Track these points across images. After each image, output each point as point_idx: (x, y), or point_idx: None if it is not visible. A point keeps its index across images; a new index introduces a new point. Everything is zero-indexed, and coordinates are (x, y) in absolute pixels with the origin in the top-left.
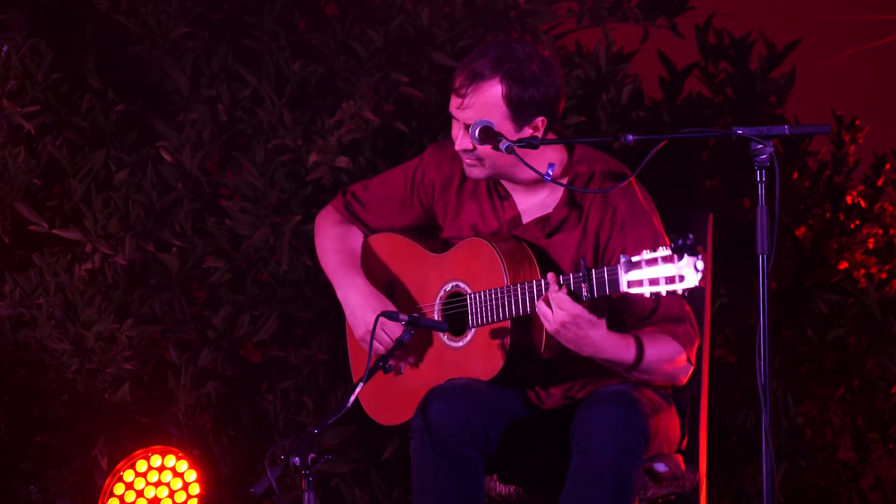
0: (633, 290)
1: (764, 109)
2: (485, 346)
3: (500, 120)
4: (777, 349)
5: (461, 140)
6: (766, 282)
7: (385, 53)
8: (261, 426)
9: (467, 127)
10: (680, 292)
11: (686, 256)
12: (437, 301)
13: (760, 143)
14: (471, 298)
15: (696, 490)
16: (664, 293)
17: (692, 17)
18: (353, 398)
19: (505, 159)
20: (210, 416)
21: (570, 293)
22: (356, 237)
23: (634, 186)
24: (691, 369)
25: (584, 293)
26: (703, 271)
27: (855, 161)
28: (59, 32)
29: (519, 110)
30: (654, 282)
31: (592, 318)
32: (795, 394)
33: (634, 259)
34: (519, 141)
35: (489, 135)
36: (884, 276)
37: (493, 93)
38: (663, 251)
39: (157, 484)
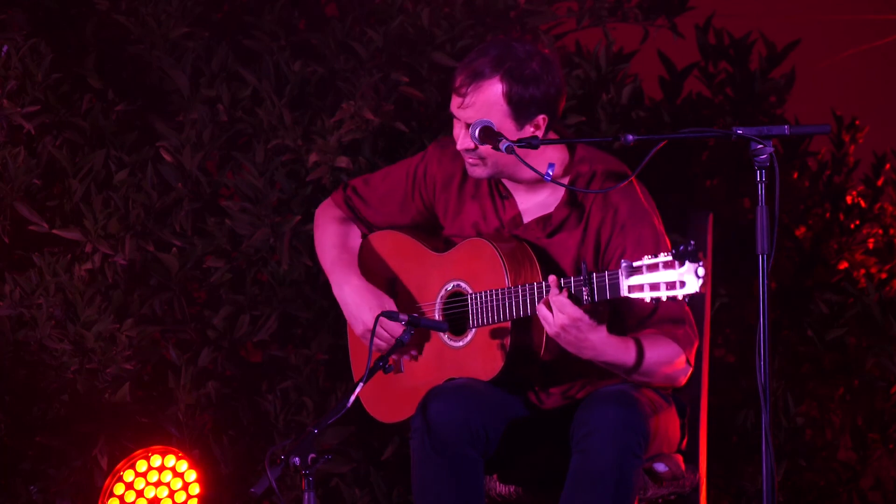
0: (634, 295)
1: (764, 109)
2: (485, 347)
3: (502, 119)
4: (777, 349)
5: (463, 139)
6: (766, 282)
7: (385, 53)
8: (261, 426)
9: (468, 126)
10: (680, 298)
11: (687, 262)
12: (438, 300)
13: (760, 143)
14: (471, 298)
15: (696, 490)
16: (664, 298)
17: (692, 17)
18: (353, 398)
19: (506, 158)
20: (210, 416)
21: (570, 296)
22: (355, 235)
23: (636, 187)
24: (690, 371)
25: (585, 297)
26: (704, 277)
27: (855, 161)
28: (59, 32)
29: (520, 109)
30: (654, 287)
31: (593, 321)
32: (795, 394)
33: (636, 264)
34: (519, 141)
35: (489, 135)
36: (884, 276)
37: (493, 91)
38: (664, 256)
39: (157, 484)
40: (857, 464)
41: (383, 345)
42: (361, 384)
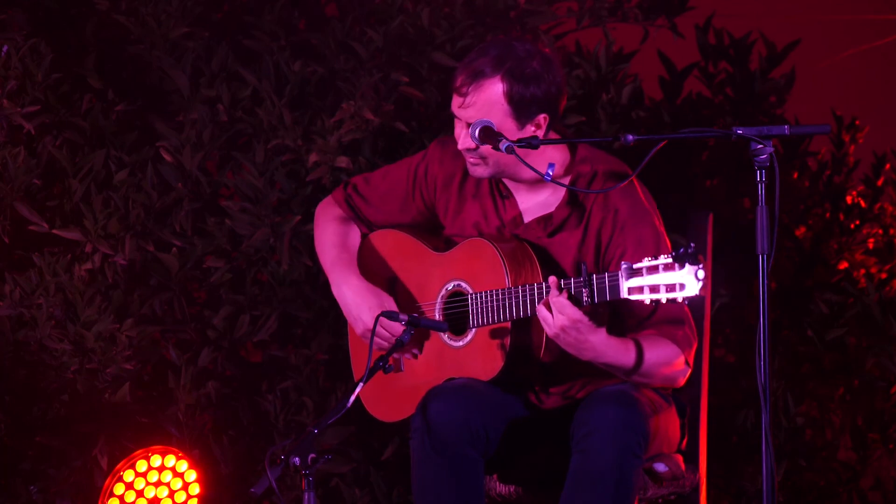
0: (634, 297)
1: (764, 109)
2: (485, 347)
3: (502, 118)
4: (777, 349)
5: (464, 139)
6: (766, 282)
7: (385, 53)
8: (261, 426)
9: (469, 126)
10: (680, 300)
11: (687, 265)
12: (439, 300)
13: (760, 143)
14: (472, 298)
15: (696, 490)
16: (664, 301)
17: (692, 17)
18: (353, 398)
19: (507, 158)
20: (210, 416)
21: (570, 298)
22: (354, 234)
23: (637, 187)
24: (689, 372)
25: (585, 298)
26: (704, 280)
27: (855, 161)
28: (59, 32)
29: (521, 108)
30: (654, 289)
31: (592, 323)
32: (795, 394)
33: (636, 266)
34: (518, 141)
35: (489, 135)
36: (884, 276)
37: (494, 91)
38: (664, 259)
39: (157, 484)
40: (857, 464)
41: (384, 344)
42: (361, 384)
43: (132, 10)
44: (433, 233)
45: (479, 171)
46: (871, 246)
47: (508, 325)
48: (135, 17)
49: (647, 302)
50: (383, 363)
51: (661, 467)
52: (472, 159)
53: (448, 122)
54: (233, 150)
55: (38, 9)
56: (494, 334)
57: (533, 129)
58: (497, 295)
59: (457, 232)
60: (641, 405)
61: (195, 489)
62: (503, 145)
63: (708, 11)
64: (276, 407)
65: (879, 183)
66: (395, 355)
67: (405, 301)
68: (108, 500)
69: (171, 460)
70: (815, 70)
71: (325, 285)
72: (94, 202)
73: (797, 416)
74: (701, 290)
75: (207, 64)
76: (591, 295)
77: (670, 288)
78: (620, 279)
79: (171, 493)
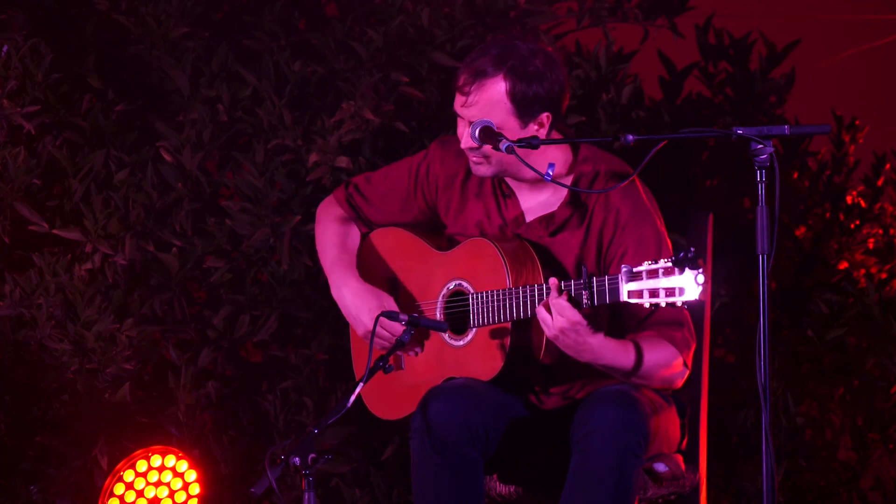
0: (633, 301)
1: (764, 109)
2: (485, 347)
3: (505, 116)
4: (777, 349)
5: (466, 138)
6: (766, 282)
7: (385, 53)
8: (261, 426)
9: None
10: (679, 304)
11: (687, 269)
12: (440, 299)
13: (760, 143)
14: (473, 298)
15: (696, 490)
16: (664, 305)
17: (692, 17)
18: (353, 398)
19: (510, 157)
20: (210, 416)
21: (570, 300)
22: (355, 235)
23: (638, 187)
24: (687, 373)
25: (585, 300)
26: (704, 285)
27: (855, 161)
28: (59, 32)
29: (523, 106)
30: (654, 293)
31: (591, 326)
32: (795, 394)
33: (636, 270)
34: (519, 141)
35: (489, 135)
36: (884, 276)
37: (496, 90)
38: (665, 263)
39: (158, 484)
40: (857, 464)
41: (385, 344)
42: (361, 384)
43: (132, 10)
44: (435, 231)
45: (482, 170)
46: (871, 246)
47: (509, 325)
48: (135, 17)
49: (647, 305)
50: (383, 363)
51: (661, 467)
52: (474, 158)
53: (448, 121)
54: (233, 150)
55: (38, 9)
56: (495, 334)
57: (536, 127)
58: (498, 295)
59: (459, 231)
60: (641, 405)
61: (195, 489)
62: (503, 145)
63: (708, 11)
64: (276, 407)
65: (879, 183)
66: (394, 358)
67: (406, 299)
68: (108, 500)
69: (171, 460)
70: (815, 70)
71: (325, 285)
72: (94, 202)
73: (797, 416)
74: (701, 294)
75: (207, 64)
76: (590, 297)
77: (670, 292)
78: (620, 282)
79: (171, 493)
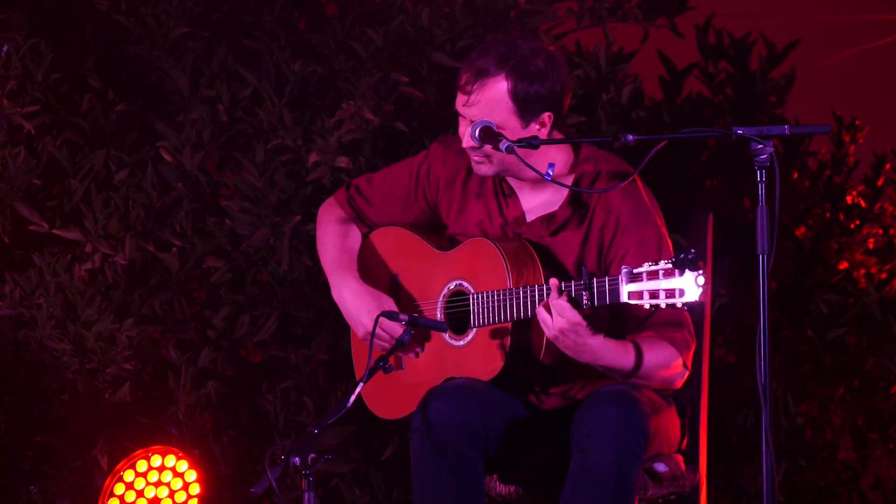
0: (633, 301)
1: (764, 109)
2: (485, 347)
3: (507, 116)
4: (777, 349)
5: (468, 138)
6: (766, 282)
7: (385, 53)
8: (261, 426)
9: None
10: (679, 306)
11: (687, 271)
12: (441, 299)
13: (760, 143)
14: (473, 298)
15: (696, 490)
16: (664, 306)
17: (692, 17)
18: (353, 398)
19: (511, 156)
20: (210, 416)
21: (570, 300)
22: (355, 236)
23: (640, 188)
24: (687, 374)
25: (585, 301)
26: (704, 286)
27: (855, 161)
28: (59, 32)
29: (525, 106)
30: (654, 294)
31: (591, 327)
32: (795, 394)
33: (636, 271)
34: (518, 141)
35: (489, 134)
36: (884, 276)
37: (498, 89)
38: (665, 264)
39: (158, 484)
40: (857, 464)
41: (385, 345)
42: (361, 384)
43: (132, 10)
44: (436, 231)
45: (484, 169)
46: (871, 246)
47: (509, 325)
48: (135, 17)
49: (647, 307)
50: (383, 363)
51: (661, 467)
52: (476, 157)
53: (448, 121)
54: (233, 150)
55: (38, 9)
56: (495, 334)
57: (537, 127)
58: (498, 295)
59: (460, 231)
60: (641, 405)
61: (195, 489)
62: (503, 145)
63: (708, 11)
64: (276, 407)
65: (879, 183)
66: (394, 358)
67: (407, 299)
68: (108, 500)
69: (171, 460)
70: (815, 70)
71: (325, 285)
72: (94, 202)
73: (797, 416)
74: (701, 296)
75: (207, 64)
76: (591, 298)
77: (670, 293)
78: (620, 283)
79: (171, 493)
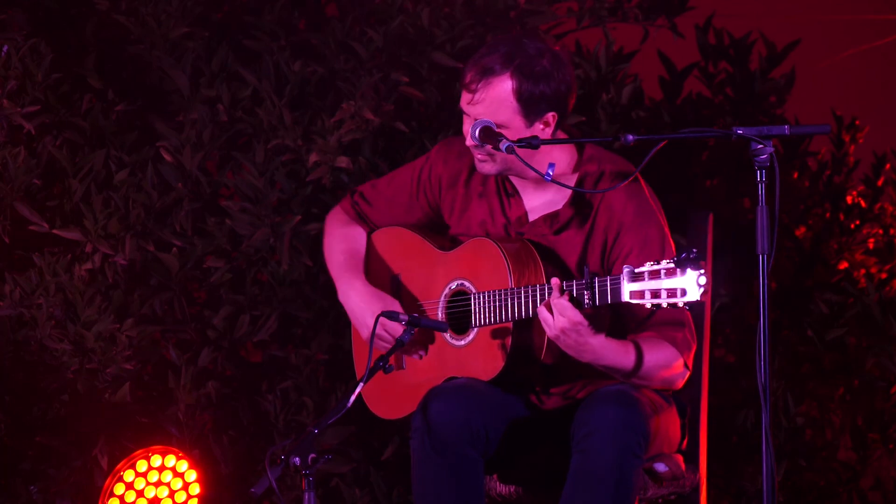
0: (635, 301)
1: (764, 109)
2: (486, 347)
3: (511, 115)
4: (777, 349)
5: (470, 137)
6: (766, 282)
7: (385, 53)
8: (261, 426)
9: None
10: (681, 305)
11: (689, 270)
12: (442, 298)
13: (760, 143)
14: (475, 298)
15: (696, 490)
16: (665, 305)
17: (692, 17)
18: (353, 398)
19: (514, 156)
20: (210, 416)
21: (572, 300)
22: (360, 238)
23: (643, 187)
24: (688, 375)
25: (586, 300)
26: (706, 286)
27: (855, 161)
28: (59, 32)
29: (529, 105)
30: (655, 294)
31: (592, 326)
32: (795, 394)
33: (637, 270)
34: (518, 141)
35: (489, 134)
36: (884, 276)
37: (503, 88)
38: (667, 263)
39: (158, 484)
40: (857, 464)
41: (387, 345)
42: (361, 384)
43: (132, 10)
44: (438, 231)
45: (487, 167)
46: (871, 246)
47: (510, 325)
48: (135, 17)
49: (649, 306)
50: (383, 363)
51: (661, 467)
52: (479, 156)
53: (448, 121)
54: (233, 150)
55: (38, 9)
56: (496, 334)
57: (541, 126)
58: (499, 295)
59: (463, 231)
60: (642, 405)
61: (195, 489)
62: (503, 145)
63: (708, 11)
64: (276, 407)
65: (879, 183)
66: (394, 359)
67: (409, 299)
68: (108, 500)
69: (171, 460)
70: (815, 70)
71: (325, 285)
72: (94, 202)
73: (797, 416)
74: (702, 295)
75: (207, 64)
76: (592, 297)
77: (671, 293)
78: (622, 283)
79: (172, 493)
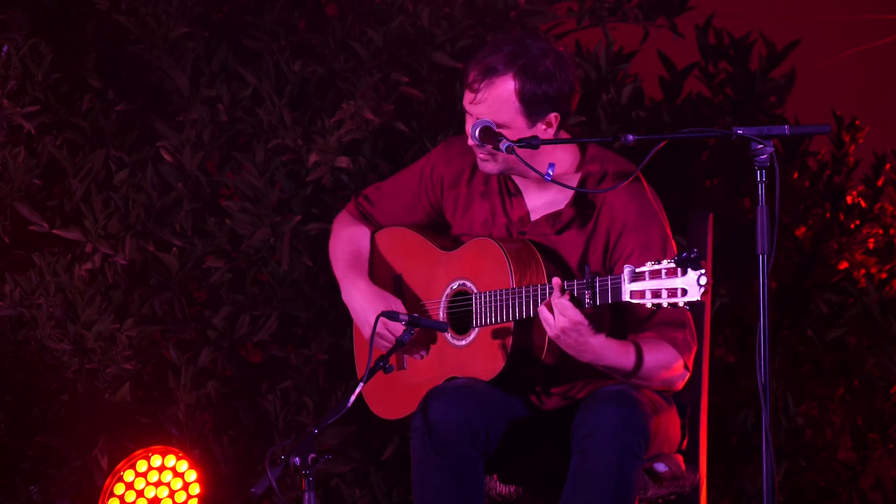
0: (636, 301)
1: (764, 109)
2: (487, 347)
3: (513, 115)
4: (777, 349)
5: (471, 136)
6: (766, 282)
7: (385, 53)
8: (261, 426)
9: None
10: (681, 305)
11: (690, 270)
12: (444, 298)
13: (760, 143)
14: (476, 298)
15: (696, 490)
16: (666, 305)
17: (692, 17)
18: (353, 398)
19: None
20: (210, 416)
21: (572, 299)
22: (364, 238)
23: (645, 188)
24: (688, 376)
25: (587, 300)
26: (706, 286)
27: (855, 161)
28: (59, 32)
29: (532, 106)
30: (656, 294)
31: (593, 326)
32: (795, 394)
33: (638, 270)
34: (518, 141)
35: (489, 134)
36: (884, 276)
37: (506, 88)
38: (668, 263)
39: (158, 484)
40: (857, 464)
41: (386, 344)
42: (362, 384)
43: (132, 10)
44: (440, 231)
45: (489, 167)
46: (871, 246)
47: (511, 325)
48: (135, 17)
49: (649, 306)
50: (384, 363)
51: (661, 467)
52: (481, 155)
53: (448, 121)
54: (233, 150)
55: (38, 9)
56: (497, 334)
57: (544, 127)
58: (500, 295)
59: (465, 231)
60: (642, 405)
61: (195, 489)
62: (503, 145)
63: (708, 11)
64: (276, 407)
65: (879, 183)
66: (395, 358)
67: (411, 299)
68: (108, 500)
69: (171, 460)
70: (815, 70)
71: (324, 285)
72: (94, 202)
73: (797, 416)
74: (703, 295)
75: (207, 64)
76: (593, 297)
77: (672, 293)
78: (623, 282)
79: (172, 493)
